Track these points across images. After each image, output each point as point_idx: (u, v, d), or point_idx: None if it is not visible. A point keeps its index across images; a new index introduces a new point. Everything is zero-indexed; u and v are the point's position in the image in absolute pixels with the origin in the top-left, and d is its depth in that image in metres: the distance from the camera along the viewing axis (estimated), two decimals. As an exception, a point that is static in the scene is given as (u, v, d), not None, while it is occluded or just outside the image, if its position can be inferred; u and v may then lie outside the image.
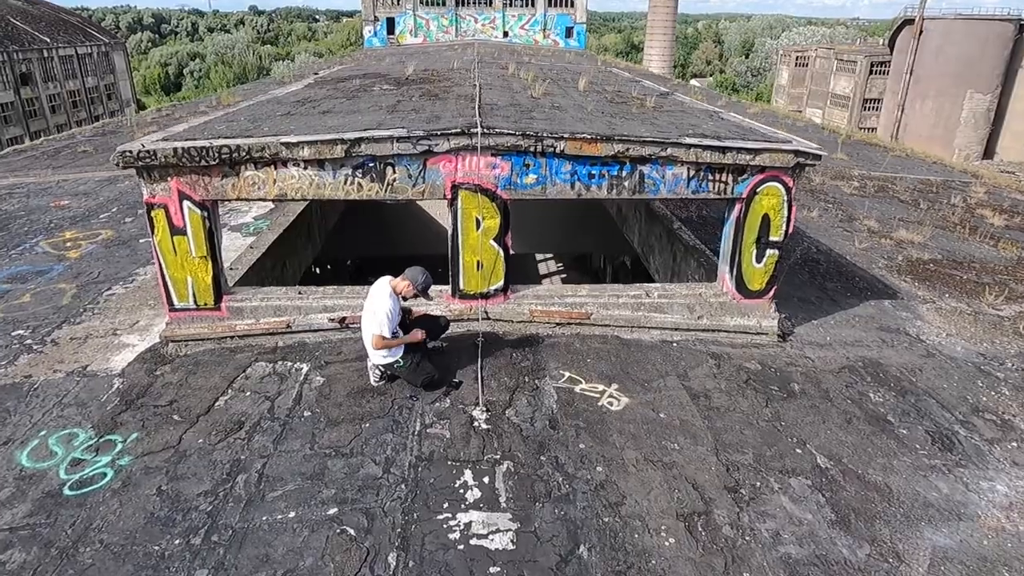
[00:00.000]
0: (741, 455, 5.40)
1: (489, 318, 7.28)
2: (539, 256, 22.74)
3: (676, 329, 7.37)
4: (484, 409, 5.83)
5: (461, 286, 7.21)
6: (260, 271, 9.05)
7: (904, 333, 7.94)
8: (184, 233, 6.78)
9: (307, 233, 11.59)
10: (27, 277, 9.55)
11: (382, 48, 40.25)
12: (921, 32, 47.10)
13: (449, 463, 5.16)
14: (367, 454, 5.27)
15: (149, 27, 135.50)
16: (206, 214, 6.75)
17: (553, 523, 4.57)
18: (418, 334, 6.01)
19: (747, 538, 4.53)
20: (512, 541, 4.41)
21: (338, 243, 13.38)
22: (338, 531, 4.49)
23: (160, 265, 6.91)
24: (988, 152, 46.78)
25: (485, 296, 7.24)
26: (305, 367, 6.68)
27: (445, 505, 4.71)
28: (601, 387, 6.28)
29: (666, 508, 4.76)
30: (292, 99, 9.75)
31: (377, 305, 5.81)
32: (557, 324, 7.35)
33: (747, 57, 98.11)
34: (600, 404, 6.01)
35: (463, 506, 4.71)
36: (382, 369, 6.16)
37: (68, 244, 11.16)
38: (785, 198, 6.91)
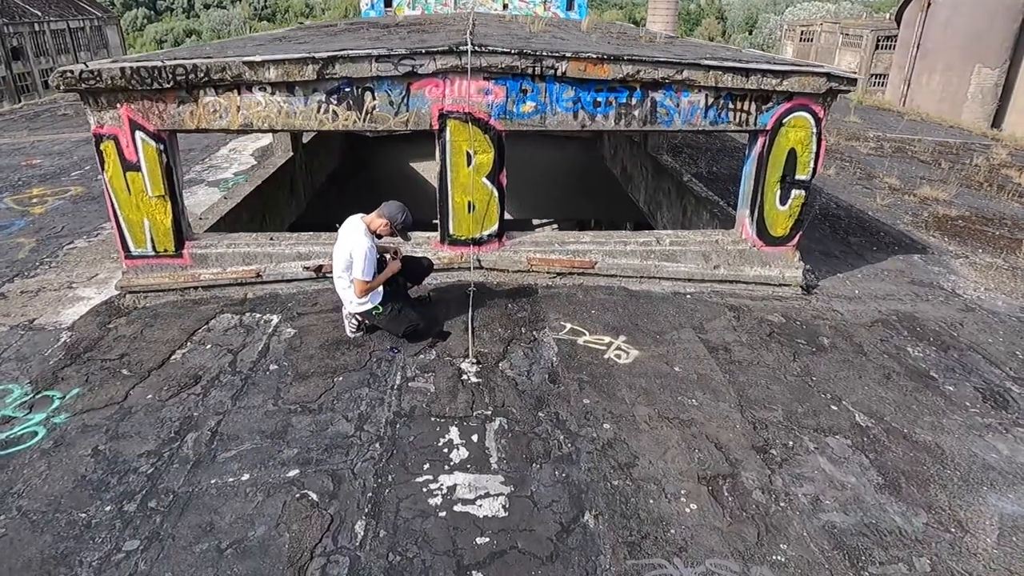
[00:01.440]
0: (769, 412, 4.70)
1: (482, 267, 6.54)
2: (536, 222, 21.94)
3: (690, 280, 6.64)
4: (474, 361, 5.12)
5: (451, 231, 6.46)
6: (234, 224, 8.30)
7: (938, 287, 7.21)
8: (138, 169, 6.01)
9: (290, 188, 10.82)
10: (-16, 232, 8.83)
11: (378, 18, 39.15)
12: (929, 5, 45.80)
13: (432, 419, 4.45)
14: (338, 410, 4.56)
15: (144, 3, 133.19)
16: (162, 147, 5.98)
17: (553, 487, 3.87)
18: (395, 265, 5.26)
19: (782, 504, 3.84)
20: (504, 507, 3.71)
21: (324, 205, 12.60)
22: (298, 496, 3.79)
23: (112, 206, 6.15)
24: (995, 128, 45.66)
25: (478, 242, 6.50)
26: (275, 319, 5.95)
27: (426, 466, 4.01)
28: (607, 339, 5.56)
29: (685, 470, 4.06)
30: (269, 37, 8.93)
31: (352, 246, 5.06)
32: (558, 274, 6.62)
33: (750, 33, 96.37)
34: (606, 357, 5.29)
35: (447, 467, 4.00)
36: (359, 318, 5.43)
37: (34, 200, 10.46)
38: (814, 130, 6.14)
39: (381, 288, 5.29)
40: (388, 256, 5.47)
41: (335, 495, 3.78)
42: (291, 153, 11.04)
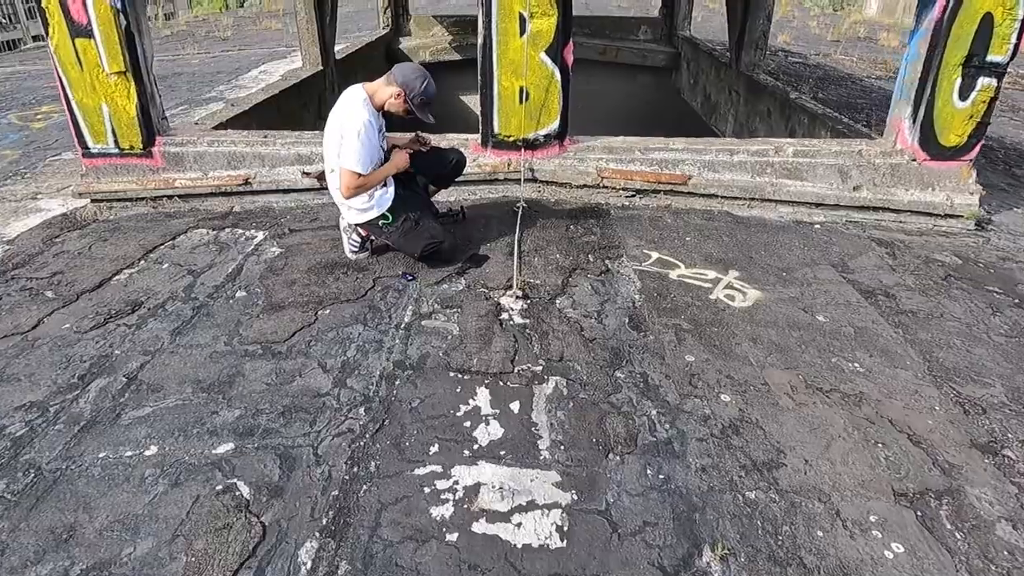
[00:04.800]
0: (982, 387, 2.97)
1: (536, 179, 4.91)
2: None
3: (819, 204, 4.86)
4: (520, 294, 3.53)
5: (495, 128, 4.83)
6: (240, 134, 6.84)
7: None
8: (90, 35, 4.58)
9: (317, 104, 9.34)
10: (-31, 144, 7.74)
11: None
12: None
13: (452, 375, 2.90)
14: (314, 355, 3.07)
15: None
16: (120, 5, 4.52)
17: (644, 496, 2.28)
18: (401, 158, 3.70)
19: (1058, 552, 2.15)
20: (560, 530, 2.14)
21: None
22: (220, 488, 2.31)
23: (62, 85, 4.76)
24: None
25: (531, 145, 4.86)
26: (260, 235, 4.49)
27: (433, 449, 2.47)
28: (712, 274, 3.89)
29: (868, 479, 2.40)
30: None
31: (343, 121, 3.50)
32: (636, 191, 4.94)
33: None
34: (714, 297, 3.63)
35: (467, 453, 2.45)
36: (362, 233, 3.90)
37: (39, 117, 9.41)
38: (1026, -14, 4.22)
39: (391, 190, 3.73)
40: (404, 148, 3.89)
41: (279, 491, 2.28)
42: (320, 67, 9.53)
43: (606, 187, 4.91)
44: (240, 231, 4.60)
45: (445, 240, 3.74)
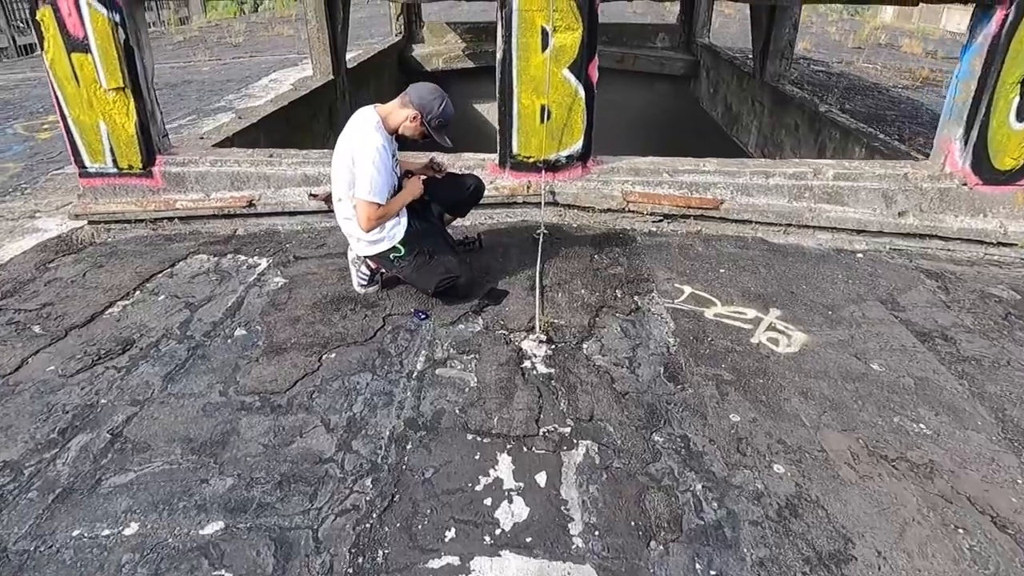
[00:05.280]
0: (1066, 455, 2.64)
1: (557, 202, 4.61)
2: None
3: (860, 231, 4.53)
4: (543, 339, 3.22)
5: (514, 149, 4.54)
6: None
7: None
8: (87, 49, 4.33)
9: (328, 116, 9.09)
10: (-29, 156, 7.55)
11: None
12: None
13: (470, 438, 2.60)
14: (317, 409, 2.77)
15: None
16: (119, 18, 4.27)
17: (693, 597, 1.97)
18: (415, 185, 3.41)
19: None
20: (598, 643, 1.84)
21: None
22: (205, 582, 2.02)
23: (58, 102, 4.52)
24: None
25: (552, 167, 4.56)
26: (264, 263, 4.22)
27: (449, 535, 2.17)
28: (752, 313, 3.57)
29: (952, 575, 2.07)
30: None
31: (354, 147, 3.21)
32: (664, 216, 4.62)
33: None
34: (755, 341, 3.31)
35: (488, 540, 2.15)
36: (371, 266, 3.61)
37: (45, 126, 9.19)
38: (1094, -2, 3.88)
39: (403, 220, 3.44)
40: (418, 174, 3.61)
41: (272, 587, 1.99)
42: (331, 76, 9.28)
43: (632, 212, 4.61)
44: (243, 258, 4.33)
45: (461, 275, 3.44)
